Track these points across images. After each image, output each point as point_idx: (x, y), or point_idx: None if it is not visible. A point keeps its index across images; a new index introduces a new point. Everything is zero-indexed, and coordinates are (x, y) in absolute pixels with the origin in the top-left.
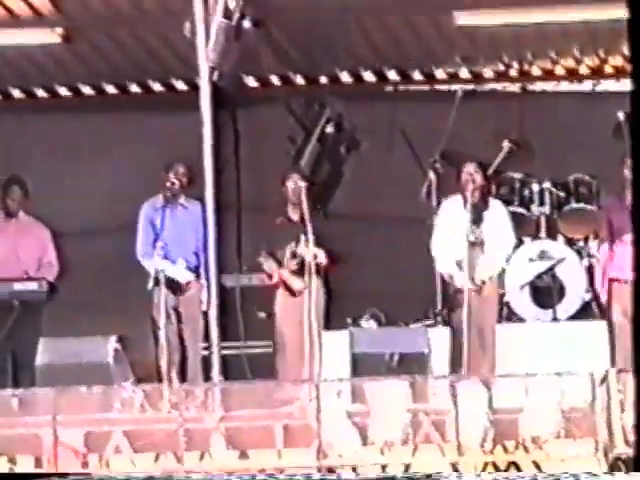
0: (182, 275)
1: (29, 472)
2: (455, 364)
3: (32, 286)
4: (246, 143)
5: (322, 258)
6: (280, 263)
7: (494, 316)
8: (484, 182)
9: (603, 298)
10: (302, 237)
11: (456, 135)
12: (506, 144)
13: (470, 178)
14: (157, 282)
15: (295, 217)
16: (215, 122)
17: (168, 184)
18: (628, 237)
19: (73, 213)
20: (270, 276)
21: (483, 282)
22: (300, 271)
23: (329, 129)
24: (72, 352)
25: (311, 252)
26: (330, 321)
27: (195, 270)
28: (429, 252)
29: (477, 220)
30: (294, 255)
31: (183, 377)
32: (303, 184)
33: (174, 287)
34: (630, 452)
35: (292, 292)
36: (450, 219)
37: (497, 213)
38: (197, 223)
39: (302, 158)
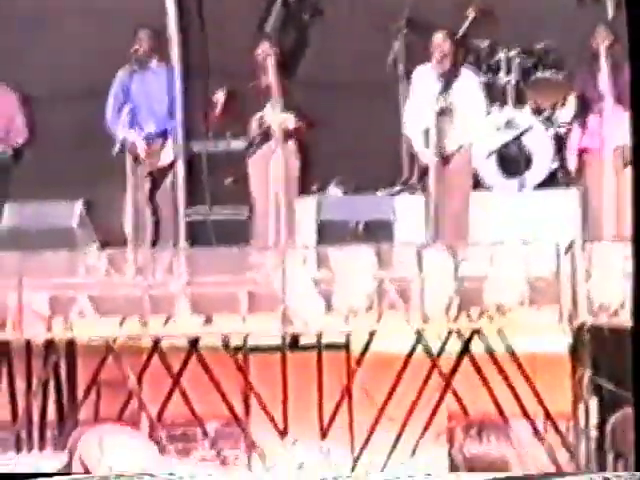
0: (143, 144)
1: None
2: (423, 232)
3: None
4: (209, 6)
5: (291, 123)
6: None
7: (466, 184)
8: (453, 50)
9: (572, 167)
10: (269, 104)
11: (421, 3)
12: (471, 12)
13: (439, 47)
14: (123, 148)
15: (265, 83)
16: None
17: (133, 49)
18: (599, 107)
19: (40, 78)
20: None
21: (452, 152)
22: (266, 138)
23: None
24: (37, 216)
25: (279, 117)
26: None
27: (165, 135)
28: (397, 119)
29: (446, 88)
30: (261, 123)
31: (153, 243)
32: (271, 50)
33: (142, 153)
34: (592, 320)
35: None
36: (421, 88)
37: (467, 82)
38: (167, 88)
39: (267, 24)
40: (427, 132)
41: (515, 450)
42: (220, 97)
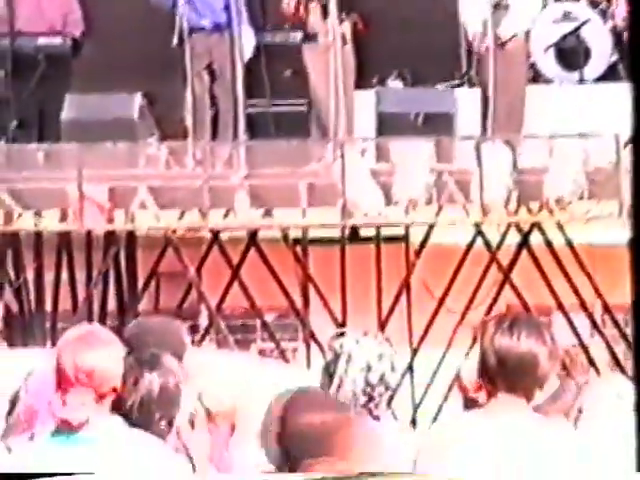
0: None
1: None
2: (482, 125)
3: (56, 41)
4: None
5: (352, 21)
6: None
7: (522, 76)
8: None
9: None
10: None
11: None
12: None
13: None
14: (181, 40)
15: None
16: None
17: None
18: None
19: None
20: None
21: (508, 39)
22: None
23: None
24: (98, 108)
25: (337, 17)
26: (357, 81)
27: (223, 27)
28: (455, 12)
29: None
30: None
31: (213, 135)
32: None
33: (202, 44)
34: None
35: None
36: None
37: None
38: None
39: None
40: (484, 24)
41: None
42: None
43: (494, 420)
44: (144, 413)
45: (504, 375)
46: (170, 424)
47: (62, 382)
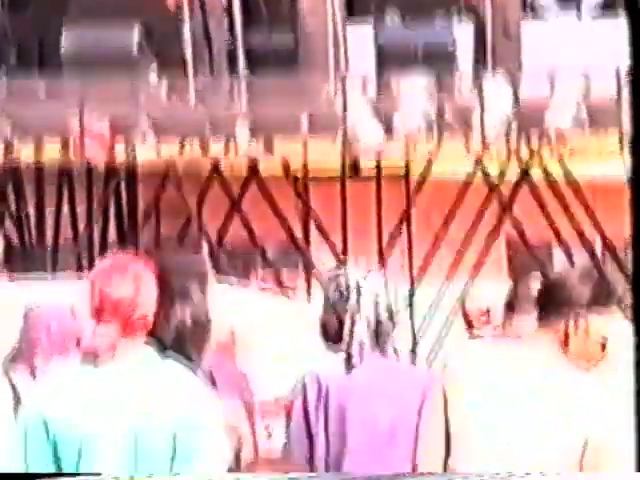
0: None
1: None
2: (481, 59)
3: None
4: None
5: None
6: None
7: (516, 5)
8: None
9: None
10: None
11: None
12: None
13: None
14: None
15: None
16: None
17: None
18: None
19: None
20: None
21: None
22: None
23: None
24: (96, 42)
25: None
26: (354, 15)
27: None
28: None
29: None
30: None
31: (210, 70)
32: None
33: None
34: None
35: None
36: None
37: None
38: None
39: None
40: None
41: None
42: None
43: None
44: (177, 343)
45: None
46: (200, 354)
47: (94, 311)
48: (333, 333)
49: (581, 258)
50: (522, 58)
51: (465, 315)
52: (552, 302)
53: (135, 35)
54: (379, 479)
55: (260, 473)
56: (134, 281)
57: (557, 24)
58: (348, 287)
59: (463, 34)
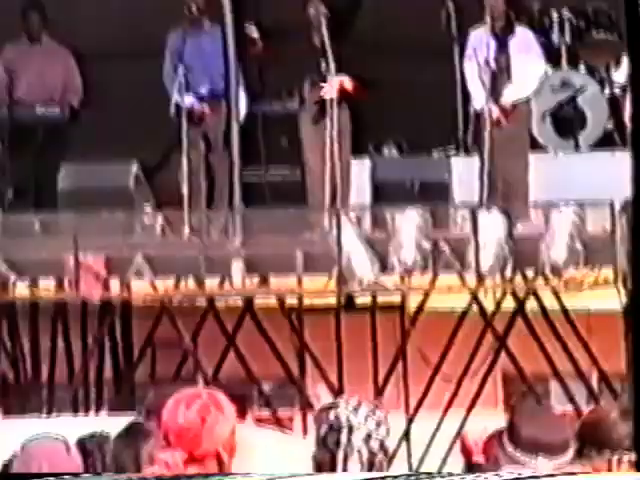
0: (197, 105)
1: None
2: (478, 192)
3: (54, 110)
4: None
5: (348, 84)
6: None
7: (524, 143)
8: (506, 10)
9: (627, 127)
10: (323, 64)
11: None
12: None
13: (492, 6)
14: (178, 109)
15: (317, 44)
16: None
17: (186, 10)
18: None
19: (95, 37)
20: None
21: (510, 106)
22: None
23: None
24: (94, 177)
25: (336, 79)
26: (352, 149)
27: (219, 96)
28: (452, 79)
29: (502, 47)
30: (318, 80)
31: (209, 203)
32: (323, 10)
33: (198, 114)
34: None
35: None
36: (476, 46)
37: (524, 39)
38: (220, 49)
39: None
40: (483, 90)
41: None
42: (252, 31)
43: None
44: None
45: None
46: None
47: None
48: (326, 469)
49: (578, 391)
50: (518, 192)
51: (463, 448)
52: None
53: (132, 170)
54: None
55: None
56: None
57: (555, 157)
58: (340, 422)
59: (459, 168)
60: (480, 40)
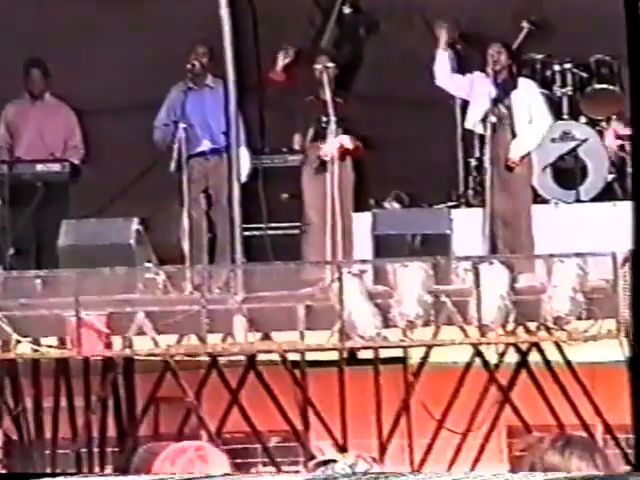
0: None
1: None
2: (480, 245)
3: (55, 167)
4: (264, 23)
5: (348, 144)
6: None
7: (527, 196)
8: (509, 62)
9: (628, 179)
10: (324, 119)
11: (475, 16)
12: (525, 25)
13: (494, 58)
14: (179, 165)
15: (323, 97)
16: (233, 3)
17: (189, 66)
18: None
19: (96, 93)
20: (300, 151)
21: (514, 162)
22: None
23: (347, 10)
24: (95, 234)
25: (336, 140)
26: (353, 203)
27: (220, 151)
28: (453, 132)
29: (503, 99)
30: (319, 136)
31: (211, 259)
32: (331, 65)
33: (200, 168)
34: None
35: (321, 166)
36: (479, 95)
37: (528, 91)
38: (222, 105)
39: (322, 39)
40: (482, 141)
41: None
42: (282, 57)
43: None
44: None
45: None
46: None
47: None
48: None
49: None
50: (522, 244)
51: None
52: None
53: (133, 226)
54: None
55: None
56: None
57: (556, 209)
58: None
59: (462, 220)
60: (481, 87)
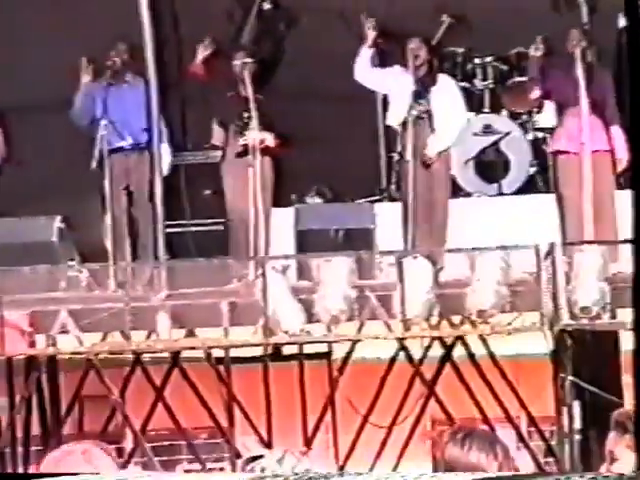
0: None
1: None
2: (403, 239)
3: None
4: (185, 20)
5: (270, 141)
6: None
7: (444, 190)
8: (429, 57)
9: (550, 171)
10: (245, 115)
11: (394, 11)
12: (445, 18)
13: (414, 53)
14: (100, 163)
15: (244, 93)
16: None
17: (109, 62)
18: (575, 110)
19: (15, 92)
20: (219, 147)
21: (431, 158)
22: (246, 151)
23: (266, 6)
24: (16, 232)
25: (258, 136)
26: (275, 198)
27: (141, 148)
28: (374, 127)
29: (423, 95)
30: (240, 132)
31: (134, 256)
32: (249, 61)
33: (121, 165)
34: (574, 323)
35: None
36: (397, 90)
37: (446, 87)
38: (143, 101)
39: (242, 36)
40: (404, 137)
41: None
42: (202, 50)
43: None
44: None
45: None
46: None
47: None
48: None
49: (507, 436)
50: (444, 237)
51: None
52: None
53: (55, 224)
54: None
55: None
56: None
57: (478, 202)
58: (265, 474)
59: (384, 215)
60: (400, 82)
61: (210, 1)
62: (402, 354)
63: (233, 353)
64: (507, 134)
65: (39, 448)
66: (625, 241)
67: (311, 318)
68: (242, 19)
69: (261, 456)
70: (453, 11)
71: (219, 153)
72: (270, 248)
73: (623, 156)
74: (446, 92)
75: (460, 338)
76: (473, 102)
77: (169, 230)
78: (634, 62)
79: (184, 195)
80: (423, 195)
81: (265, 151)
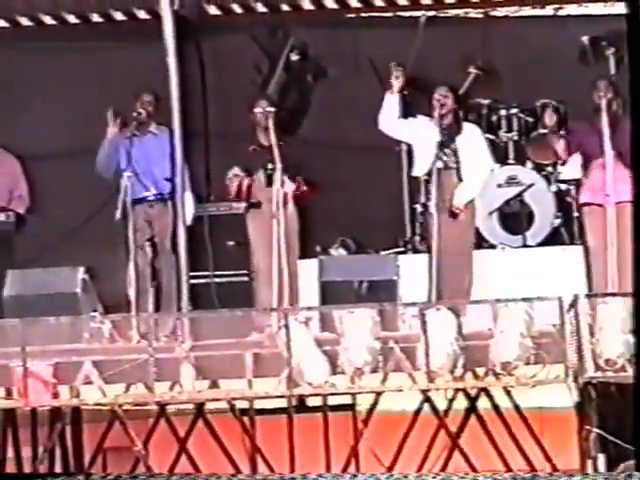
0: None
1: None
2: (427, 291)
3: (0, 217)
4: (211, 72)
5: (289, 188)
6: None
7: (470, 241)
8: (455, 106)
9: (575, 223)
10: (270, 165)
11: (421, 62)
12: (472, 70)
13: (441, 102)
14: (124, 214)
15: (266, 143)
16: (180, 51)
17: (135, 113)
18: (600, 161)
19: (38, 141)
20: (236, 191)
21: (458, 209)
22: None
23: (294, 57)
24: (40, 283)
25: (282, 189)
26: (300, 250)
27: (165, 199)
28: (399, 179)
29: (448, 144)
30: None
31: (157, 307)
32: (271, 109)
33: (145, 216)
34: (599, 376)
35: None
36: (425, 140)
37: (472, 136)
38: (167, 152)
39: (269, 86)
40: (428, 188)
41: None
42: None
43: None
44: None
45: None
46: None
47: None
48: None
49: None
50: (467, 286)
51: None
52: None
53: (79, 275)
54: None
55: None
56: None
57: (503, 254)
58: None
59: (408, 266)
60: (426, 131)
61: (237, 51)
62: (426, 406)
63: (257, 404)
64: (531, 185)
65: None
66: None
67: (335, 370)
68: (269, 70)
69: None
70: (480, 63)
71: (243, 204)
72: (297, 299)
73: None
74: (472, 141)
75: (484, 390)
76: (497, 153)
77: (193, 281)
78: (634, 62)
79: (208, 246)
80: (447, 246)
81: (293, 198)
